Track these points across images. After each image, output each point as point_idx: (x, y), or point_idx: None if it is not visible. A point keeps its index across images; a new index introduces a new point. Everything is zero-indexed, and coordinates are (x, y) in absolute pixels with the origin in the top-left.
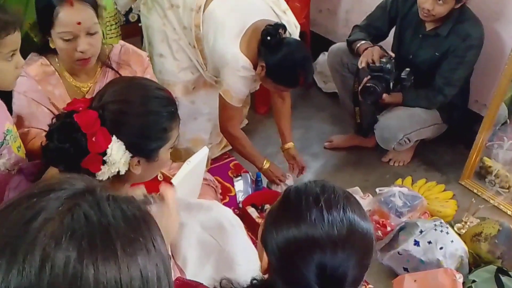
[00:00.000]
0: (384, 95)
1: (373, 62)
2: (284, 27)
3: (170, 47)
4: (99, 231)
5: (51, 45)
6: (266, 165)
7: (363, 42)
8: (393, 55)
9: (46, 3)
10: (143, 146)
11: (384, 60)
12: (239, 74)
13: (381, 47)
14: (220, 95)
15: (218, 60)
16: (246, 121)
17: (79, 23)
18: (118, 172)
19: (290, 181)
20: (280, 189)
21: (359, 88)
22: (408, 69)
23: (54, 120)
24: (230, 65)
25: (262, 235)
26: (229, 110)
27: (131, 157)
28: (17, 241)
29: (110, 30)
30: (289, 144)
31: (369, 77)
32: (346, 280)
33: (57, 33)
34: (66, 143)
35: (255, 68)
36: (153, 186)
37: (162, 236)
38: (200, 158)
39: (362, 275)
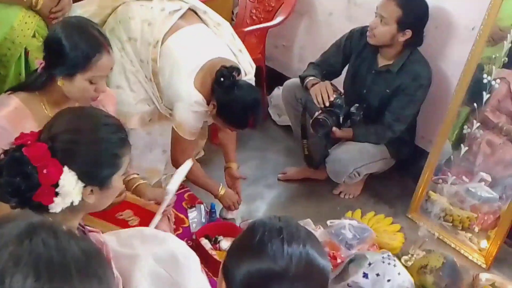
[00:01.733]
0: (336, 130)
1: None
2: (238, 70)
3: (127, 79)
4: (56, 256)
5: (59, 83)
6: (221, 191)
7: (311, 78)
8: (342, 91)
9: (85, 50)
10: (95, 174)
11: (335, 95)
12: (192, 109)
13: (331, 83)
14: (173, 128)
15: (172, 94)
16: (202, 153)
17: (111, 68)
18: (72, 203)
19: (233, 213)
20: (234, 217)
21: (311, 120)
22: (357, 104)
23: (1, 156)
24: (183, 100)
25: (223, 266)
26: (182, 143)
27: (84, 186)
28: None
29: None
30: (231, 164)
31: (320, 111)
32: None
33: (89, 76)
34: (16, 177)
35: (208, 103)
36: None
37: (113, 274)
38: (187, 169)
39: None
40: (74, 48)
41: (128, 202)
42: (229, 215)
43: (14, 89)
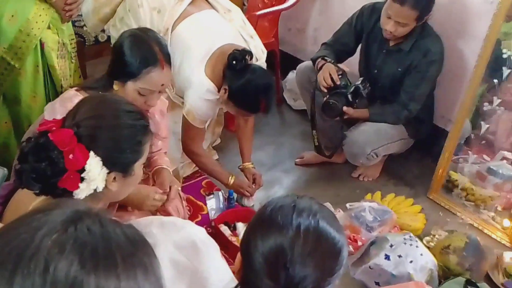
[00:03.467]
0: (348, 109)
1: (332, 83)
2: (250, 54)
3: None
4: (101, 242)
5: (115, 87)
6: (231, 180)
7: (320, 59)
8: (346, 69)
9: (140, 59)
10: (119, 160)
11: (338, 76)
12: (203, 97)
13: (333, 63)
14: (183, 115)
15: (183, 82)
16: (219, 140)
17: (162, 85)
18: (95, 190)
19: (251, 200)
20: (252, 204)
21: (321, 106)
22: (361, 78)
23: (24, 143)
24: (194, 88)
25: (241, 248)
26: (192, 130)
27: (108, 173)
28: (23, 248)
29: (73, 53)
30: (247, 164)
31: (327, 95)
32: (298, 277)
33: (138, 87)
34: (42, 163)
35: (219, 91)
36: None
37: (159, 265)
38: None
39: (324, 278)
40: (130, 56)
41: None
42: (248, 202)
43: (79, 87)
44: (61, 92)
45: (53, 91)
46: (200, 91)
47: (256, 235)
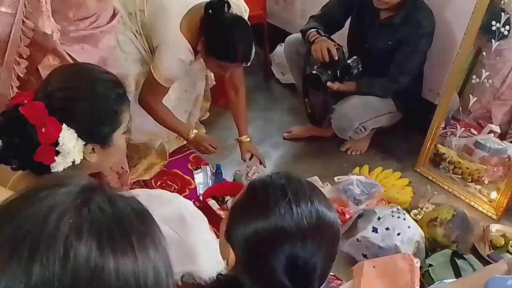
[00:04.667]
0: (332, 84)
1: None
2: (228, 5)
3: (117, 40)
4: (115, 224)
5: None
6: (192, 134)
7: (312, 30)
8: (341, 45)
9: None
10: (95, 132)
11: (334, 50)
12: (176, 56)
13: (328, 37)
14: (150, 70)
15: (158, 38)
16: (207, 114)
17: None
18: (73, 162)
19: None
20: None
21: (306, 76)
22: (355, 56)
23: None
24: (167, 45)
25: (227, 230)
26: (156, 87)
27: (85, 144)
28: (37, 233)
29: None
30: (243, 138)
31: (316, 66)
32: (316, 271)
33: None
34: (15, 138)
35: (195, 53)
36: None
37: (163, 235)
38: None
39: (330, 266)
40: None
41: None
42: (245, 180)
43: None
44: None
45: None
46: (174, 48)
47: (248, 220)
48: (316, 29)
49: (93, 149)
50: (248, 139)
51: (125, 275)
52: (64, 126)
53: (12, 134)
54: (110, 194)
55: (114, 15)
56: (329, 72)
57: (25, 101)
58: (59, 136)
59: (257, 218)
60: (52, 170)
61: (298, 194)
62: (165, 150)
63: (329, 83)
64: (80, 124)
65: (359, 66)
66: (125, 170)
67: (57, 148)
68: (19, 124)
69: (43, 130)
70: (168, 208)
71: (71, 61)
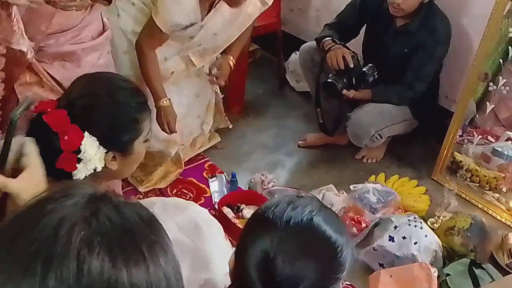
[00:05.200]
0: (348, 92)
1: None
2: None
3: (129, 41)
4: (125, 234)
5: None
6: (164, 103)
7: (327, 39)
8: (357, 53)
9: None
10: (116, 139)
11: (350, 58)
12: None
13: (343, 45)
14: (152, 14)
15: None
16: (230, 125)
17: None
18: (95, 170)
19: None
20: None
21: (322, 84)
22: (371, 64)
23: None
24: None
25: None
26: (154, 29)
27: (106, 152)
28: (49, 248)
29: None
30: (228, 56)
31: (332, 74)
32: (283, 276)
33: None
34: (38, 145)
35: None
36: None
37: (171, 241)
38: None
39: (322, 282)
40: None
41: None
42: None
43: None
44: None
45: None
46: None
47: (247, 233)
48: (331, 37)
49: (114, 157)
50: (231, 61)
51: (138, 286)
52: (86, 133)
53: (36, 141)
54: (117, 202)
55: (103, 31)
56: (344, 80)
57: (48, 109)
58: (81, 144)
59: (258, 228)
60: (74, 177)
61: (299, 204)
62: (180, 158)
63: (344, 91)
64: (102, 132)
65: (375, 73)
66: (119, 194)
67: (79, 156)
68: (42, 131)
69: (65, 137)
70: (184, 216)
71: (49, 79)
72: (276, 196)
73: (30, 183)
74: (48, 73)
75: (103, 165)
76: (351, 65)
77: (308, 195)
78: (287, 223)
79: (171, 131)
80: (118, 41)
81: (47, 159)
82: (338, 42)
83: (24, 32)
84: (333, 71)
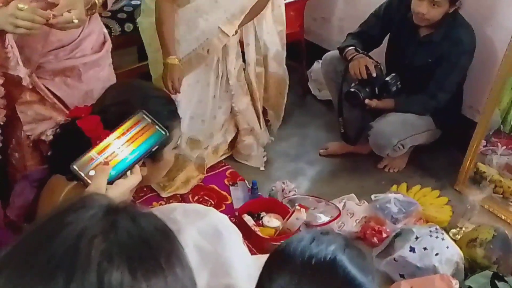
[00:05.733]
0: (370, 102)
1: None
2: None
3: None
4: (143, 246)
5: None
6: (172, 60)
7: (350, 48)
8: (380, 62)
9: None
10: None
11: (372, 67)
12: None
13: (366, 54)
14: None
15: None
16: (261, 166)
17: None
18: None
19: (303, 215)
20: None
21: (345, 93)
22: (394, 73)
23: (57, 130)
24: None
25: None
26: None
27: None
28: (71, 259)
29: None
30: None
31: (354, 83)
32: None
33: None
34: (71, 149)
35: None
36: None
37: (185, 251)
38: None
39: None
40: None
41: None
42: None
43: None
44: None
45: None
46: None
47: (268, 267)
48: (354, 47)
49: (143, 162)
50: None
51: None
52: None
53: (69, 146)
54: (133, 213)
55: (104, 41)
56: (367, 89)
57: (82, 115)
58: None
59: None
60: None
61: (323, 241)
62: (204, 163)
63: (367, 100)
64: None
65: (398, 83)
66: (134, 204)
67: None
68: (75, 136)
69: (98, 143)
70: (204, 222)
71: (51, 96)
72: (297, 205)
73: (121, 190)
74: (49, 90)
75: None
76: (374, 75)
77: (333, 232)
78: (309, 261)
79: (175, 90)
80: None
81: None
82: (361, 52)
83: (19, 59)
84: (355, 81)
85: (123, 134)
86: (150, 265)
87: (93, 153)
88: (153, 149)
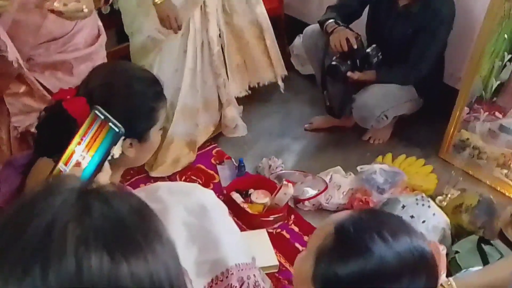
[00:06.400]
0: (352, 74)
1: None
2: None
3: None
4: (119, 227)
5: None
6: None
7: (330, 21)
8: (360, 34)
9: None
10: (133, 127)
11: (353, 40)
12: None
13: (346, 26)
14: None
15: None
16: (245, 133)
17: None
18: (112, 156)
19: (290, 190)
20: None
21: (326, 68)
22: (374, 45)
23: (42, 113)
24: None
25: (315, 276)
26: None
27: (123, 139)
28: (46, 247)
29: None
30: None
31: (335, 57)
32: None
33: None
34: (57, 132)
35: None
36: None
37: (166, 229)
38: None
39: None
40: None
41: None
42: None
43: None
44: None
45: None
46: None
47: (344, 261)
48: (334, 20)
49: (131, 144)
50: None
51: (139, 276)
52: None
53: (54, 128)
54: (106, 195)
55: (98, 35)
56: (348, 62)
57: (68, 96)
58: None
59: (357, 261)
60: None
61: (396, 233)
62: (195, 140)
63: (349, 73)
64: (119, 119)
65: (379, 54)
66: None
67: None
68: (61, 118)
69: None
70: (190, 199)
71: (41, 88)
72: (284, 180)
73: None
74: (39, 83)
75: (121, 152)
76: (355, 47)
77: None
78: (403, 259)
79: (172, 27)
80: None
81: (65, 146)
82: (341, 24)
83: (10, 41)
84: (337, 54)
85: (82, 139)
86: (128, 245)
87: (61, 165)
88: (111, 150)
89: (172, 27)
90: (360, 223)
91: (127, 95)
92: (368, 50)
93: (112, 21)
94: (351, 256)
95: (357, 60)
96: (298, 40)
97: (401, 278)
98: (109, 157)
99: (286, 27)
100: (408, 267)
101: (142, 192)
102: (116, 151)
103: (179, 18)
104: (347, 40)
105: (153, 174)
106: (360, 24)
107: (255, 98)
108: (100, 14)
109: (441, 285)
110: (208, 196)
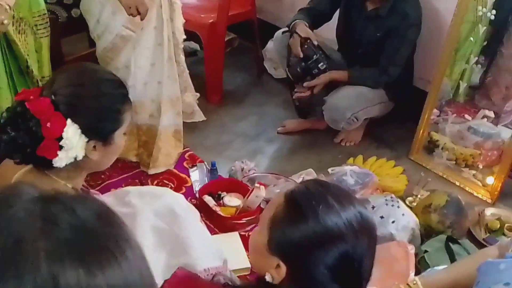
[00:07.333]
0: (331, 72)
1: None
2: None
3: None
4: (89, 238)
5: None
6: None
7: (296, 21)
8: (315, 42)
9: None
10: (98, 129)
11: (307, 50)
12: None
13: (308, 26)
14: None
15: None
16: (204, 118)
17: None
18: (75, 158)
19: (262, 192)
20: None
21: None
22: (321, 52)
23: (3, 113)
24: None
25: (270, 243)
26: None
27: (87, 141)
28: (19, 266)
29: (39, 29)
30: None
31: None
32: (367, 271)
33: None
34: (20, 132)
35: None
36: None
37: (133, 233)
38: None
39: (372, 264)
40: None
41: None
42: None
43: None
44: (27, 68)
45: (15, 66)
46: None
47: (313, 247)
48: (300, 21)
49: (94, 146)
50: None
51: (116, 286)
52: (68, 121)
53: (17, 128)
54: (69, 203)
55: None
56: (302, 64)
57: (31, 97)
58: (63, 131)
59: (306, 223)
60: (54, 165)
61: (340, 200)
62: (180, 129)
63: (305, 84)
64: (84, 120)
65: (319, 65)
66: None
67: (60, 143)
68: (24, 118)
69: (47, 124)
70: (160, 203)
71: None
72: (256, 183)
73: None
74: None
75: (84, 154)
76: (301, 56)
77: (323, 181)
78: (350, 223)
79: (140, 12)
80: None
81: (28, 147)
82: (307, 25)
83: None
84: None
85: None
86: (101, 256)
87: None
88: None
89: (140, 12)
90: (308, 191)
91: (95, 96)
92: (316, 57)
93: (82, 24)
94: (301, 220)
95: (305, 65)
96: (270, 44)
97: (346, 238)
98: (72, 158)
99: (259, 31)
100: (352, 228)
101: (111, 196)
102: (79, 152)
103: (144, 4)
104: (301, 43)
105: (152, 171)
106: (330, 28)
107: (229, 101)
108: (71, 17)
109: (407, 284)
110: (178, 200)
